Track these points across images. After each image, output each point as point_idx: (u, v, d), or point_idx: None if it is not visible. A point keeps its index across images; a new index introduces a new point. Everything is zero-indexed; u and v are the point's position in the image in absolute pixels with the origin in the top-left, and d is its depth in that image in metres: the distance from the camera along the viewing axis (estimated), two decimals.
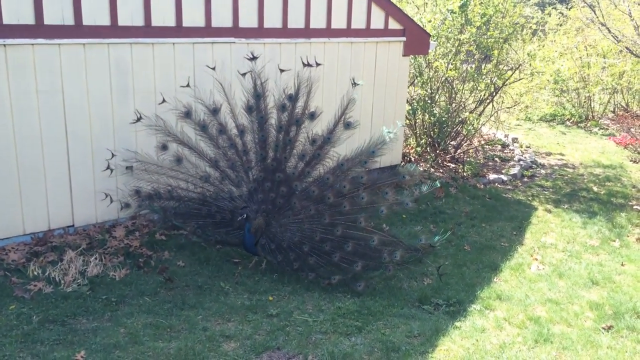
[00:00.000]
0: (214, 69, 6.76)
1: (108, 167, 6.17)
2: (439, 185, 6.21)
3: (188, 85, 6.51)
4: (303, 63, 6.60)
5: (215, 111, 6.16)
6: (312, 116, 6.07)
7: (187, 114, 6.12)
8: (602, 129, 14.62)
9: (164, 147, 6.14)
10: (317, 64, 6.80)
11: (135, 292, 5.29)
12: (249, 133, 6.09)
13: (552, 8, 16.52)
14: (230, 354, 4.40)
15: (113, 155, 6.22)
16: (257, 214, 5.89)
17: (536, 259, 6.90)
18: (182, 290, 5.43)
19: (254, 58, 6.41)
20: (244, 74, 6.45)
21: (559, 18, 16.50)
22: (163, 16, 6.37)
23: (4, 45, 5.47)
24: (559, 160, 11.64)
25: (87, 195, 6.28)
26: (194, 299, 5.25)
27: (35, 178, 5.90)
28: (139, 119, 6.14)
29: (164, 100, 6.41)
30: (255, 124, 6.06)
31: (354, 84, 6.45)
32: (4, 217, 5.79)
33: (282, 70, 6.85)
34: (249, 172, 6.09)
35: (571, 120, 15.40)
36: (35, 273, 5.34)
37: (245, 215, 5.74)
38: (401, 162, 9.65)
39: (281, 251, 5.86)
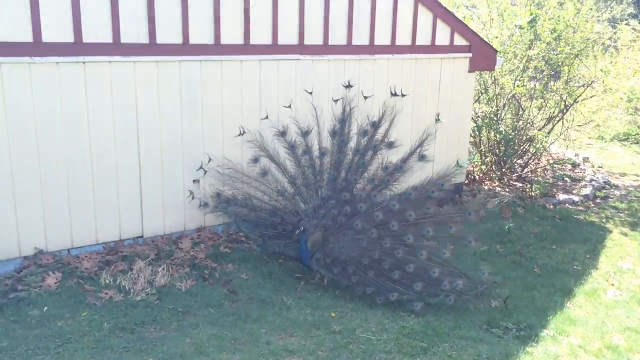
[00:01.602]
0: (311, 93, 7.03)
1: (201, 167, 6.57)
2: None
3: (290, 107, 6.83)
4: (391, 93, 6.76)
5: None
6: (390, 145, 6.23)
7: (282, 134, 6.53)
8: None
9: (255, 160, 6.64)
10: (403, 95, 6.92)
11: (200, 303, 5.36)
12: (328, 155, 6.29)
13: (625, 24, 15.86)
14: None
15: (210, 159, 6.61)
16: (315, 229, 5.91)
17: (612, 284, 6.51)
18: (245, 303, 5.46)
19: (349, 86, 6.75)
20: (336, 101, 6.72)
21: (632, 33, 15.81)
22: (232, 34, 6.53)
23: (84, 62, 5.75)
24: (634, 181, 11.04)
25: (156, 207, 6.46)
26: (257, 312, 5.27)
27: (108, 190, 6.12)
28: (242, 134, 6.70)
29: (267, 117, 6.87)
30: (336, 146, 6.23)
31: (437, 120, 6.58)
32: (79, 227, 6.03)
33: (365, 97, 6.93)
34: (319, 190, 6.21)
35: None
36: (107, 281, 5.51)
37: (302, 228, 5.82)
38: (465, 181, 9.43)
39: (337, 264, 5.84)
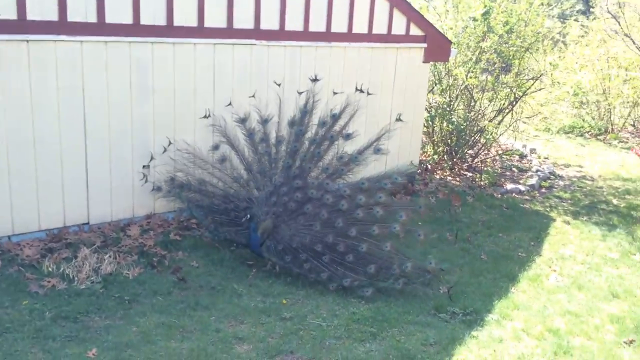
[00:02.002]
0: (279, 85, 7.01)
1: (152, 158, 6.46)
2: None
3: (208, 116, 6.75)
4: (356, 89, 6.98)
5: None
6: (348, 137, 6.35)
7: (243, 121, 6.49)
8: (622, 142, 14.39)
9: (216, 147, 6.60)
10: (369, 94, 7.21)
11: (148, 291, 5.25)
12: (284, 143, 6.29)
13: (574, 20, 16.36)
14: (243, 356, 4.35)
15: (170, 142, 6.53)
16: (266, 216, 5.88)
17: (555, 270, 6.76)
18: (195, 290, 5.39)
19: (315, 80, 6.84)
20: (300, 93, 6.76)
21: (581, 29, 16.33)
22: (185, 16, 6.37)
23: (27, 41, 5.49)
24: (577, 172, 11.47)
25: (103, 192, 6.28)
26: (207, 300, 5.21)
27: (52, 174, 5.90)
28: (207, 116, 6.70)
29: (230, 103, 6.82)
30: (293, 135, 6.25)
31: (398, 120, 7.40)
32: (21, 213, 5.79)
33: (335, 93, 7.06)
34: (273, 177, 6.20)
35: (590, 133, 15.19)
36: (50, 269, 5.33)
37: (248, 216, 5.80)
38: (417, 170, 9.56)
39: (290, 252, 5.85)
